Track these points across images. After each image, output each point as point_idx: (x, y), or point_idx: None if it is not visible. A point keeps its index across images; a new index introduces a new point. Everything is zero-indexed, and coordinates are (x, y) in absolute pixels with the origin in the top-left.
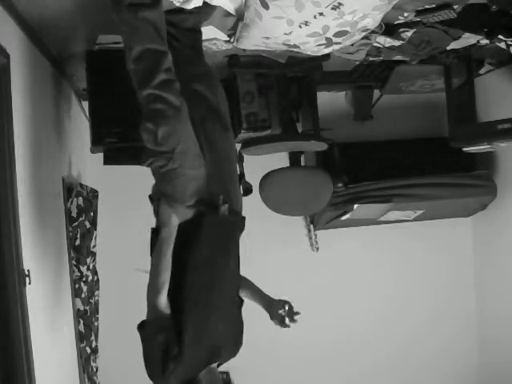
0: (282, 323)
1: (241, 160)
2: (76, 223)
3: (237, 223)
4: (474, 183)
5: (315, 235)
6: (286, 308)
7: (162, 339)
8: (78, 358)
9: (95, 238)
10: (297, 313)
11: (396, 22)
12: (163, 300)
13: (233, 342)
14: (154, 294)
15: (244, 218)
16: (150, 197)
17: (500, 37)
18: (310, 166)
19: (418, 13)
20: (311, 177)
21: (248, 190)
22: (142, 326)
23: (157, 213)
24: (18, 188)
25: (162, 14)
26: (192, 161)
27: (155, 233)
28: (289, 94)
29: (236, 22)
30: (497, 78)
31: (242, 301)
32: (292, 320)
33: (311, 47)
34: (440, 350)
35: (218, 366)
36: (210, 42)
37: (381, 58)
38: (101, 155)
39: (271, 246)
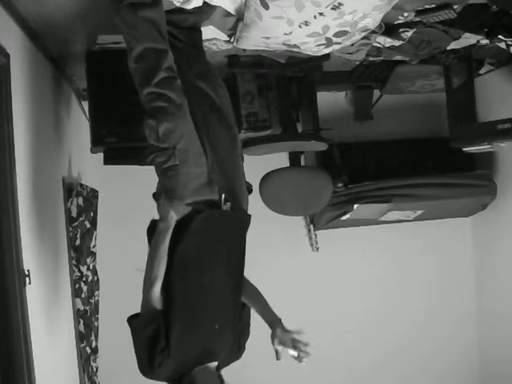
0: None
1: (241, 160)
2: (76, 223)
3: (242, 220)
4: (474, 183)
5: (315, 235)
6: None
7: (151, 332)
8: (77, 358)
9: (95, 238)
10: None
11: (396, 22)
12: (156, 293)
13: (232, 344)
14: (147, 286)
15: (249, 215)
16: (154, 195)
17: (500, 37)
18: (310, 166)
19: (418, 13)
20: (311, 177)
21: (248, 190)
22: (132, 318)
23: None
24: (17, 188)
25: (162, 12)
26: (193, 158)
27: (153, 225)
28: (289, 94)
29: (236, 22)
30: (497, 78)
31: (244, 304)
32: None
33: (311, 47)
34: (440, 346)
35: (218, 368)
36: (210, 42)
37: (381, 58)
38: (101, 155)
39: (271, 246)
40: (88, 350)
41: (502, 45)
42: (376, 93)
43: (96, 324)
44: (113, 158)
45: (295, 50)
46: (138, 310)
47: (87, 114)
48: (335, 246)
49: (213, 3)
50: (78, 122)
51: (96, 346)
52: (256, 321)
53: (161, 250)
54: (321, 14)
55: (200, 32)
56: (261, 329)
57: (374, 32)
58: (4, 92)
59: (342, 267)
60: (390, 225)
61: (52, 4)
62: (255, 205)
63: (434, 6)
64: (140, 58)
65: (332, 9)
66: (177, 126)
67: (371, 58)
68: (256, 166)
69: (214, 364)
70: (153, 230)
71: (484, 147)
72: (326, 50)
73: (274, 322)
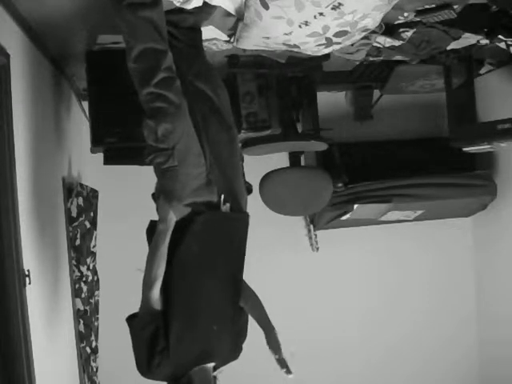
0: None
1: (241, 160)
2: (76, 223)
3: (241, 220)
4: (474, 183)
5: (315, 235)
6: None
7: (150, 332)
8: (78, 358)
9: (95, 238)
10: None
11: (396, 22)
12: (155, 294)
13: (230, 345)
14: (147, 287)
15: (248, 215)
16: (153, 195)
17: (500, 37)
18: (310, 166)
19: (418, 13)
20: (311, 177)
21: (248, 190)
22: (131, 318)
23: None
24: (18, 188)
25: (162, 12)
26: (192, 159)
27: (152, 225)
28: (289, 94)
29: (236, 22)
30: (497, 78)
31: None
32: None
33: (311, 47)
34: (440, 347)
35: (215, 368)
36: (210, 42)
37: (381, 58)
38: (101, 155)
39: (271, 246)
40: (88, 349)
41: (502, 45)
42: (376, 93)
43: (96, 324)
44: (113, 157)
45: (295, 49)
46: (137, 310)
47: (87, 113)
48: (335, 246)
49: (213, 3)
50: (78, 122)
51: (96, 346)
52: (255, 321)
53: (160, 251)
54: (321, 14)
55: (200, 32)
56: (259, 329)
57: (374, 32)
58: (4, 92)
59: (342, 267)
60: (390, 225)
61: (52, 4)
62: (255, 205)
63: (434, 5)
64: (139, 58)
65: (332, 9)
66: (176, 126)
67: (371, 58)
68: (256, 166)
69: (212, 365)
70: (152, 230)
71: (484, 147)
72: (326, 50)
73: (267, 328)
